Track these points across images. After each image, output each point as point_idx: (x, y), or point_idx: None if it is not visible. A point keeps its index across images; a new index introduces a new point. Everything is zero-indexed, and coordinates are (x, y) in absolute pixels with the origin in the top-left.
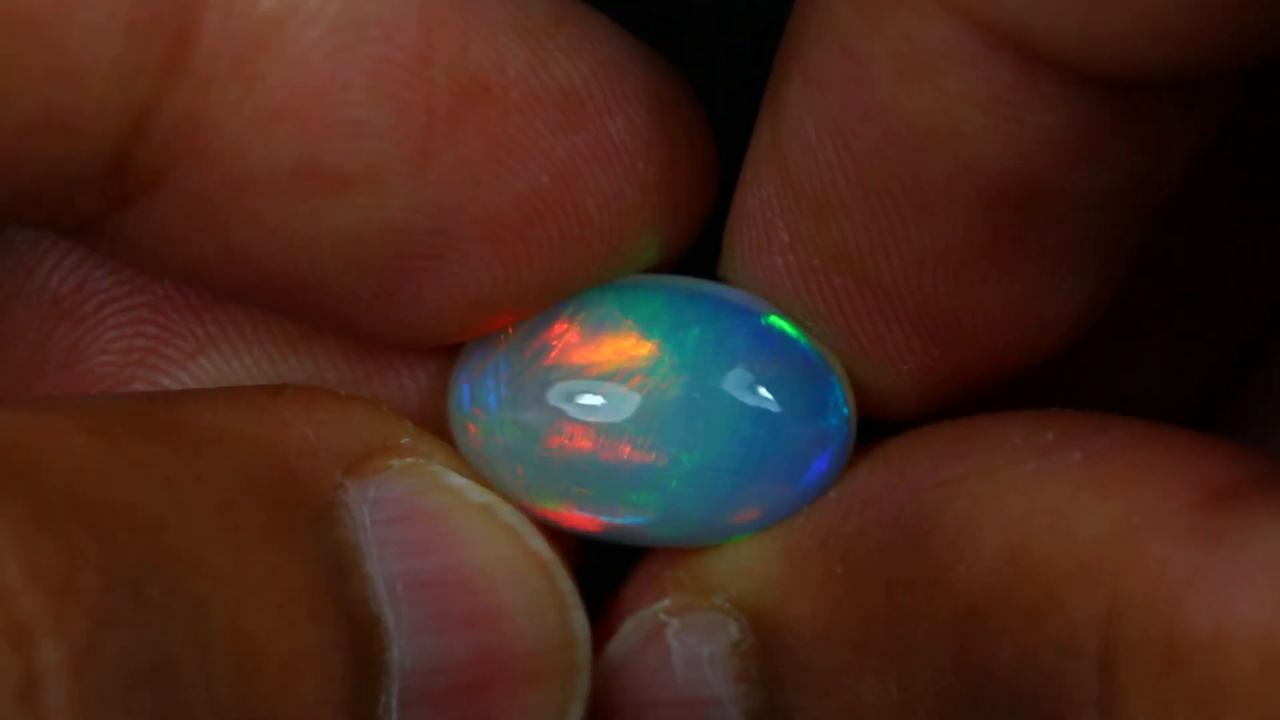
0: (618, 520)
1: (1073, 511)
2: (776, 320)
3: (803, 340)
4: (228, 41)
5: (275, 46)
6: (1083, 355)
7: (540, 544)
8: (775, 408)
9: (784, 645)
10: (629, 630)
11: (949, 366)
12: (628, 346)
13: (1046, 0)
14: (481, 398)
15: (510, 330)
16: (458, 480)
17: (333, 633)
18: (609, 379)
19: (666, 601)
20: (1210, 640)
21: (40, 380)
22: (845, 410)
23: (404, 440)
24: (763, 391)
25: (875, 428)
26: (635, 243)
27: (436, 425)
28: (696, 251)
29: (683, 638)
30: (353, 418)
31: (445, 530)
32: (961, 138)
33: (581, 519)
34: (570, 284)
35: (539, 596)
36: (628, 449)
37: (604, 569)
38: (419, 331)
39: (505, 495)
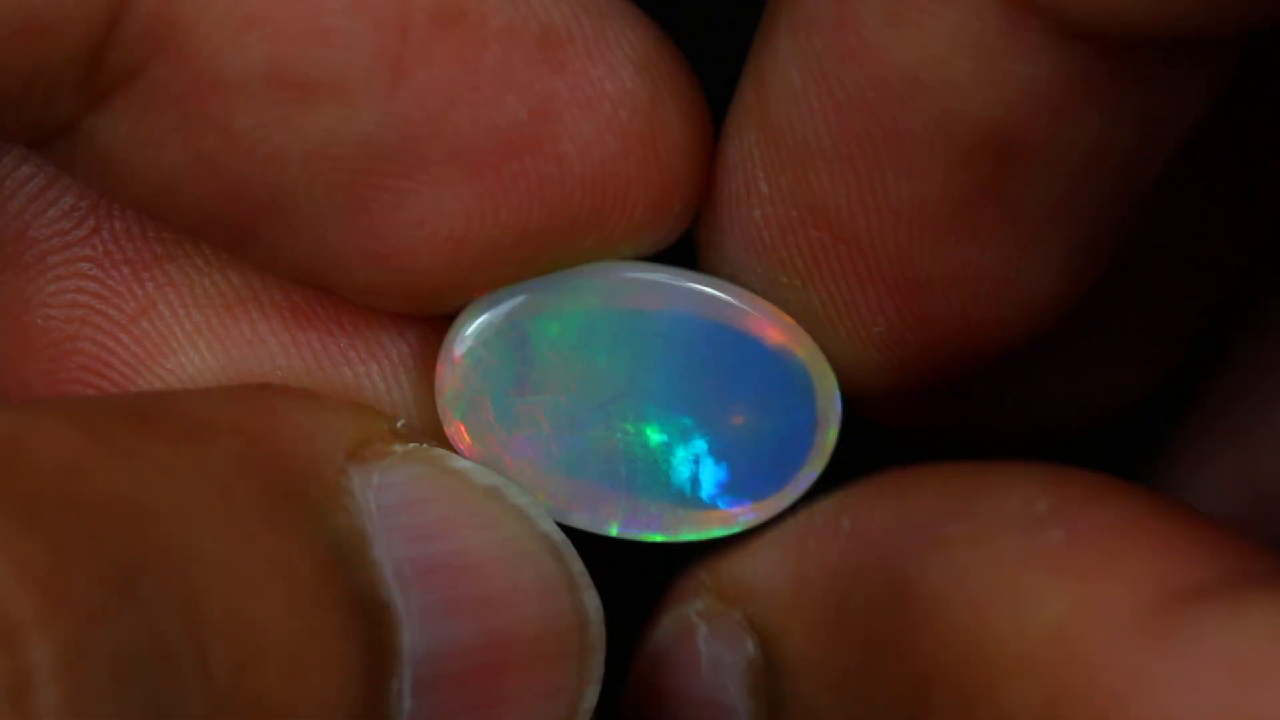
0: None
1: (1033, 598)
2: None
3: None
4: None
5: None
6: (1060, 340)
7: (549, 525)
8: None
9: (783, 672)
10: (666, 626)
11: (920, 335)
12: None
13: None
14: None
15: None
16: (462, 463)
17: (341, 619)
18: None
19: (699, 604)
20: None
21: None
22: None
23: (399, 424)
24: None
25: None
26: (621, 204)
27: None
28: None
29: (710, 643)
30: (343, 407)
31: (452, 514)
32: (945, 84)
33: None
34: (552, 241)
35: (549, 578)
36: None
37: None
38: (395, 271)
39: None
